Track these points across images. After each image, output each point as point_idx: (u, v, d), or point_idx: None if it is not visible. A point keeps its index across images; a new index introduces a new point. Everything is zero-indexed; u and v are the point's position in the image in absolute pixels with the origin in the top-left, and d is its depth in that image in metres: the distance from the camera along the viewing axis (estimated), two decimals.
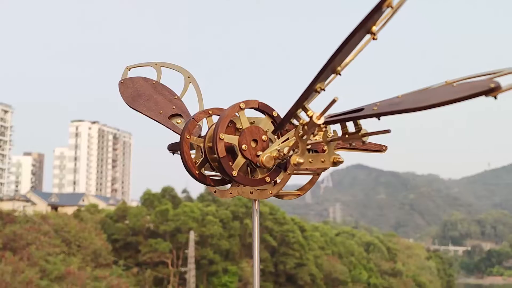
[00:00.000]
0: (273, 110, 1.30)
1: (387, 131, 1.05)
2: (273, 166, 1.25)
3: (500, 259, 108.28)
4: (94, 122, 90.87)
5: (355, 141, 1.11)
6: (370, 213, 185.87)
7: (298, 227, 40.20)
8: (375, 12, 0.82)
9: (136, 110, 1.54)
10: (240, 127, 1.28)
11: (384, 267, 49.80)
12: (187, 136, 1.31)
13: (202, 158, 1.33)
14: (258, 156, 1.24)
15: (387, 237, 62.57)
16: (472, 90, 0.80)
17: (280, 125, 1.25)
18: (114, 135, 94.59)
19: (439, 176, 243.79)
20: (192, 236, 32.74)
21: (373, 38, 1.01)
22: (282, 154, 1.20)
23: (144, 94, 1.59)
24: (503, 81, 0.82)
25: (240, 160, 1.25)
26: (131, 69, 1.68)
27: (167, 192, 39.14)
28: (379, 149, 1.37)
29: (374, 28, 0.87)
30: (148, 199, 38.28)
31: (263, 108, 1.30)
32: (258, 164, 1.23)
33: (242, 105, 1.25)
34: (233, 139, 1.24)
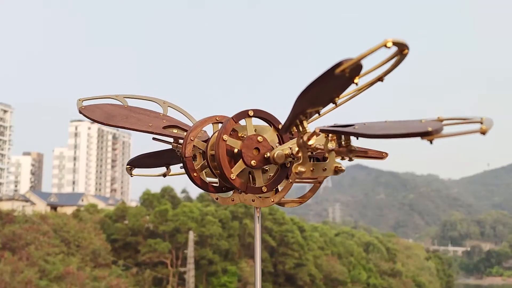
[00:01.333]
0: (248, 111, 1.29)
1: (366, 152, 1.15)
2: (283, 163, 1.27)
3: (499, 259, 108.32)
4: (93, 122, 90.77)
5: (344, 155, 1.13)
6: (370, 213, 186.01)
7: (297, 227, 40.21)
8: (327, 77, 0.83)
9: (116, 126, 1.40)
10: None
11: (384, 268, 49.83)
12: (195, 174, 1.34)
13: (218, 183, 1.36)
14: (267, 157, 1.26)
15: (386, 238, 62.62)
16: (411, 130, 0.83)
17: (282, 132, 1.28)
18: (113, 135, 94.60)
19: (438, 176, 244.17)
20: (191, 236, 32.74)
21: (380, 80, 1.04)
22: (293, 153, 1.21)
23: (119, 115, 1.42)
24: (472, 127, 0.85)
25: (259, 174, 1.29)
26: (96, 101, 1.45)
27: (167, 192, 39.17)
28: (380, 156, 1.37)
29: (357, 79, 0.87)
30: (148, 199, 38.30)
31: (239, 117, 1.30)
32: (270, 161, 1.25)
33: (225, 137, 1.25)
34: (241, 166, 1.26)
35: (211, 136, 1.34)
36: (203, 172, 1.38)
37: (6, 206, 37.21)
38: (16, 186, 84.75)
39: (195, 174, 1.33)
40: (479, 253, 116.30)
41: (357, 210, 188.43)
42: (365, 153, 1.22)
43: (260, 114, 1.29)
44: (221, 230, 35.12)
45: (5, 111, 70.65)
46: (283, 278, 37.67)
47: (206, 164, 1.33)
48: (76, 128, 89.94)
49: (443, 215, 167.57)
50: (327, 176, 1.24)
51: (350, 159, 1.16)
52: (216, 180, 1.38)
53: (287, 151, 1.23)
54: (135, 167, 1.63)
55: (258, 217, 1.33)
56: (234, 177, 1.23)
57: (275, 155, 1.23)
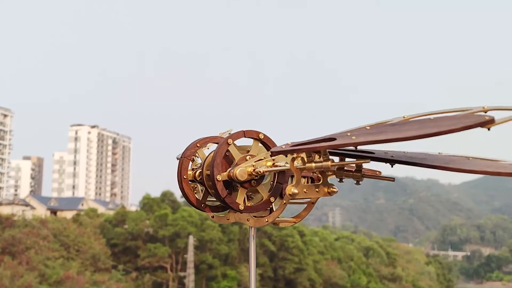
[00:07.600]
0: (234, 139, 1.28)
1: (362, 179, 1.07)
2: (247, 181, 1.24)
3: (499, 264, 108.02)
4: (93, 127, 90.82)
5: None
6: (370, 218, 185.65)
7: (297, 231, 40.14)
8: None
9: None
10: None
11: (384, 272, 49.73)
12: (203, 205, 1.37)
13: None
14: (230, 176, 1.24)
15: (386, 242, 62.46)
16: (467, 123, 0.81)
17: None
18: (113, 139, 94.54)
19: (438, 181, 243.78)
20: (191, 240, 32.75)
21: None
22: (258, 172, 1.22)
23: None
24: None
25: (262, 188, 1.30)
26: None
27: (166, 197, 39.14)
28: (373, 174, 1.38)
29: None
30: (147, 203, 38.27)
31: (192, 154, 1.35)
32: (233, 179, 1.22)
33: (218, 178, 1.23)
34: (243, 193, 1.27)
35: (207, 155, 1.35)
36: (200, 190, 1.40)
37: (6, 210, 37.21)
38: (16, 190, 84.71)
39: (203, 205, 1.36)
40: (479, 258, 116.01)
41: (357, 215, 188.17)
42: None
43: (249, 135, 1.28)
44: (221, 235, 35.10)
45: (5, 116, 70.70)
46: (283, 283, 37.62)
47: (203, 185, 1.34)
48: (76, 133, 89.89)
49: (443, 219, 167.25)
50: (320, 197, 1.26)
51: (341, 180, 1.18)
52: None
53: (250, 169, 1.22)
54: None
55: (253, 236, 1.34)
56: (243, 207, 1.25)
57: (237, 172, 1.21)
